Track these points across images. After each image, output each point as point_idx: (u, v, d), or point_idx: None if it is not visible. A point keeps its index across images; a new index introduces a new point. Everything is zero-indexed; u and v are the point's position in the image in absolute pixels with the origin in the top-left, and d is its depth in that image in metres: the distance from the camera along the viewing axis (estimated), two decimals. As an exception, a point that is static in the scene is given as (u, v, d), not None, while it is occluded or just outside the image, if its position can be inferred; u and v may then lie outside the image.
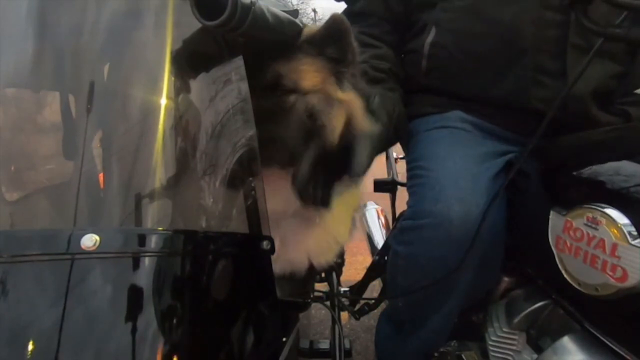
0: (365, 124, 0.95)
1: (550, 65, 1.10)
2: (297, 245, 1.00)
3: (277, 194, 0.88)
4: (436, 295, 1.11)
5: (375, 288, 1.76)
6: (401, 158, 1.95)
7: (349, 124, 0.91)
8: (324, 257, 1.08)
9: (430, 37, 1.22)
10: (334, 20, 0.90)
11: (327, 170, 0.89)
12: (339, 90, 0.91)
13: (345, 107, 0.91)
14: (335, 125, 0.89)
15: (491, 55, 1.14)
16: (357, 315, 1.51)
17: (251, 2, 0.68)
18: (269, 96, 0.85)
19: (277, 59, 0.86)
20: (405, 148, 1.39)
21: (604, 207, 0.80)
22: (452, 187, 1.06)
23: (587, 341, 0.87)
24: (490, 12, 1.12)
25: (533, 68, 1.11)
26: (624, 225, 0.77)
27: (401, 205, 1.51)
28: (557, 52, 1.09)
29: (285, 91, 0.87)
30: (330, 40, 0.90)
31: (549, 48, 1.10)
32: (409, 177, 1.25)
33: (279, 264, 0.96)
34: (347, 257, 1.68)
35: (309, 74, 0.89)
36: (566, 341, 0.91)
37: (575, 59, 1.06)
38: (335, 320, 1.37)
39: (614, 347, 0.81)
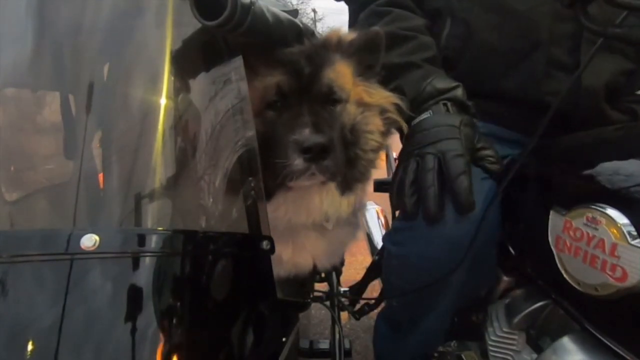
0: (397, 116, 1.01)
1: (564, 59, 1.10)
2: (306, 250, 1.01)
3: (304, 206, 0.93)
4: (429, 295, 1.11)
5: (375, 288, 1.75)
6: (401, 158, 1.94)
7: (386, 118, 0.99)
8: (329, 261, 1.09)
9: (447, 30, 1.21)
10: (373, 34, 0.98)
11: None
12: (369, 94, 0.98)
13: (377, 106, 0.98)
14: (372, 129, 0.97)
15: (505, 46, 1.13)
16: (357, 315, 1.51)
17: (251, 2, 0.68)
18: (323, 105, 0.90)
19: (323, 63, 0.91)
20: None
21: (604, 207, 0.80)
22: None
23: (587, 341, 0.87)
24: (506, 3, 1.12)
25: (547, 61, 1.11)
26: (624, 225, 0.77)
27: (401, 205, 1.50)
28: (571, 47, 1.09)
29: (333, 100, 0.92)
30: (366, 50, 0.98)
31: (564, 42, 1.09)
32: None
33: (285, 266, 0.97)
34: (347, 257, 1.68)
35: (347, 77, 0.95)
36: (566, 341, 0.90)
37: (588, 55, 1.06)
38: (335, 320, 1.37)
39: (614, 347, 0.81)
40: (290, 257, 0.98)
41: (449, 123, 1.01)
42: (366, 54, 0.98)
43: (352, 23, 1.37)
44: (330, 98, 0.91)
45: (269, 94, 0.88)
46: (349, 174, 0.95)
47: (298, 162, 0.81)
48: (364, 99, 0.97)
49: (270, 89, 0.87)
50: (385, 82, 1.11)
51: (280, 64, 0.87)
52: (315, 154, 0.80)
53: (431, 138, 0.99)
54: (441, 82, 1.09)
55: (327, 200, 0.94)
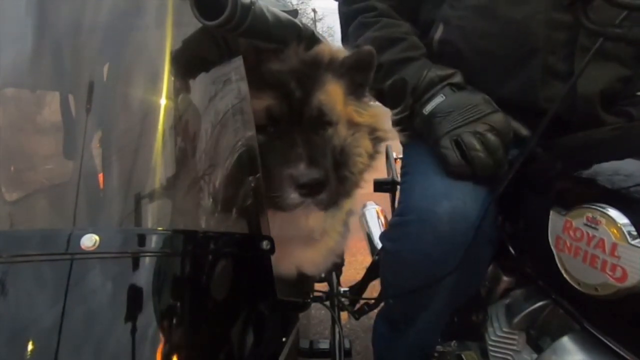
0: (391, 133, 1.02)
1: (560, 66, 1.11)
2: (291, 260, 1.00)
3: (289, 223, 0.91)
4: (421, 293, 1.11)
5: (375, 288, 1.76)
6: (400, 158, 1.95)
7: (375, 138, 0.98)
8: (317, 269, 1.09)
9: (438, 34, 1.22)
10: (365, 52, 0.96)
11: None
12: (358, 113, 0.97)
13: (367, 126, 0.97)
14: (361, 152, 0.96)
15: (501, 54, 1.14)
16: (357, 315, 1.51)
17: (251, 2, 0.68)
18: (315, 129, 0.89)
19: (314, 85, 0.89)
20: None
21: (604, 207, 0.80)
22: (439, 184, 1.06)
23: (587, 341, 0.87)
24: (502, 11, 1.12)
25: (543, 69, 1.11)
26: (624, 225, 0.77)
27: (401, 205, 1.50)
28: (567, 54, 1.10)
29: (324, 123, 0.90)
30: (357, 69, 0.96)
31: (560, 50, 1.10)
32: (401, 175, 1.26)
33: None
34: (347, 257, 1.69)
35: (338, 97, 0.94)
36: (566, 341, 0.91)
37: (583, 61, 1.06)
38: (335, 320, 1.37)
39: (614, 347, 0.81)
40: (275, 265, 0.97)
41: (475, 101, 1.08)
42: (357, 73, 0.96)
43: (343, 25, 1.39)
44: (322, 121, 0.89)
45: (258, 118, 0.82)
46: (335, 191, 0.92)
47: (294, 196, 0.80)
48: (355, 119, 0.95)
49: (260, 113, 0.83)
50: (384, 78, 1.11)
51: (269, 86, 0.85)
52: (311, 189, 0.80)
53: (470, 116, 1.06)
54: (440, 69, 1.15)
55: (312, 217, 0.93)
